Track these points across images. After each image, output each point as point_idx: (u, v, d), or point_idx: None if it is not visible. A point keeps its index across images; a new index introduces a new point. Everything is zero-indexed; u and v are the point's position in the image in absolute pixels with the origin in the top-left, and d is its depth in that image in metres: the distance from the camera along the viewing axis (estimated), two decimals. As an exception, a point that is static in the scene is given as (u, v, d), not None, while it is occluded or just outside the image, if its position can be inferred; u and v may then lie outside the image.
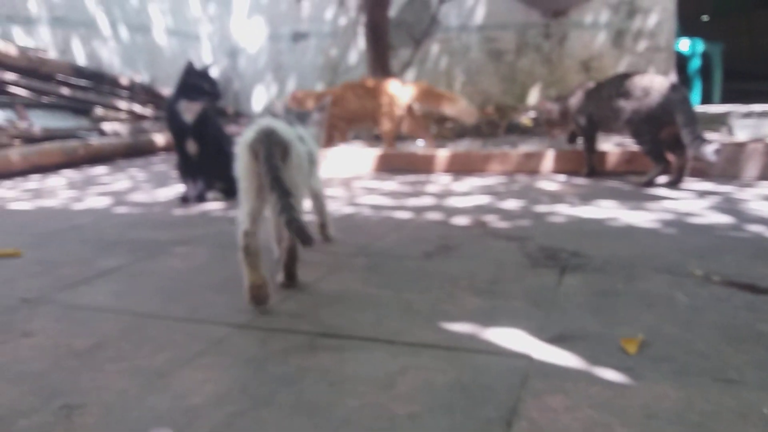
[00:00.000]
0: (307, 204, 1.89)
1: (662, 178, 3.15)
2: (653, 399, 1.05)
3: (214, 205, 2.95)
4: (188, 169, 3.04)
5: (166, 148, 5.44)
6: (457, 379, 1.14)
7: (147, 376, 1.20)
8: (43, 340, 1.39)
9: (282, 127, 1.61)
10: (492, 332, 1.34)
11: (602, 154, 3.59)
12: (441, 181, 3.54)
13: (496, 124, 5.93)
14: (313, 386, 1.13)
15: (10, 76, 5.20)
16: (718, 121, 4.27)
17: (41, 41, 6.35)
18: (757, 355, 1.20)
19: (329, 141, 4.29)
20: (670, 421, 0.98)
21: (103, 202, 3.10)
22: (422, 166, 3.92)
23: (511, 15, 7.39)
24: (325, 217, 2.17)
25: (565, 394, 1.08)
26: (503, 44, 7.52)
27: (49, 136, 4.78)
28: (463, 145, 4.50)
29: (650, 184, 3.10)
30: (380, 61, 6.66)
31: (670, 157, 3.13)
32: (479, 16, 7.58)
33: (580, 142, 3.62)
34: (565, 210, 2.58)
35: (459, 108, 4.28)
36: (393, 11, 7.35)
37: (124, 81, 6.30)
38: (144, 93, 6.39)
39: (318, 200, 2.12)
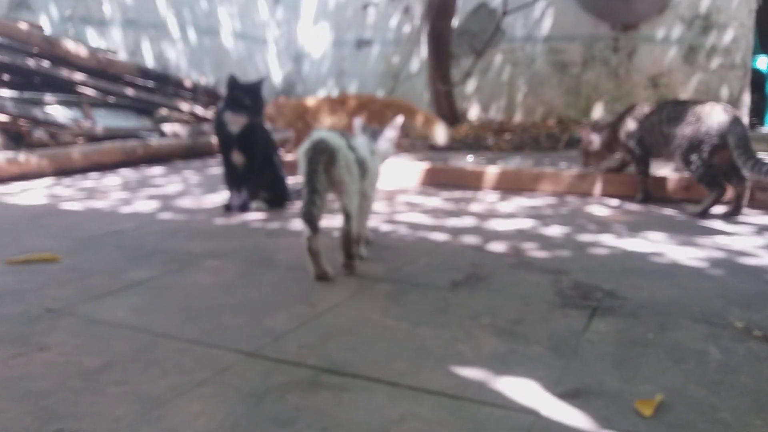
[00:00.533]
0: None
1: (720, 209, 3.00)
2: (660, 476, 0.97)
3: (255, 216, 2.97)
4: (233, 179, 3.07)
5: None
6: (454, 434, 1.09)
7: (145, 404, 1.19)
8: (56, 356, 1.41)
9: (332, 137, 1.93)
10: (503, 381, 1.28)
11: (659, 180, 3.44)
12: (487, 199, 3.46)
13: (557, 138, 5.78)
14: (304, 430, 1.10)
15: (79, 76, 5.40)
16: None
17: (113, 42, 6.60)
18: (787, 431, 1.10)
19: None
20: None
21: (150, 206, 3.16)
22: (470, 182, 3.85)
23: (579, 27, 7.21)
24: (361, 229, 2.19)
25: (565, 462, 1.01)
26: (569, 56, 7.34)
27: (110, 135, 4.94)
28: (518, 160, 4.40)
29: (705, 214, 2.95)
30: (441, 70, 6.61)
31: (727, 186, 2.97)
32: (546, 27, 7.43)
33: (629, 169, 3.50)
34: (609, 241, 2.47)
35: (431, 127, 4.56)
36: (458, 20, 7.30)
37: (187, 83, 6.45)
38: (206, 95, 6.53)
39: (363, 205, 2.14)
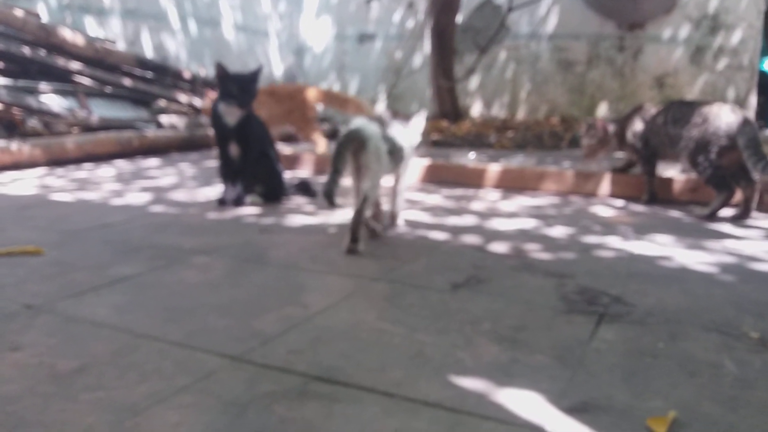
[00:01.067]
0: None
1: (728, 212, 2.91)
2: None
3: (249, 210, 2.88)
4: (229, 172, 2.98)
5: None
6: (451, 452, 1.01)
7: (119, 413, 1.11)
8: (29, 357, 1.32)
9: (367, 127, 2.14)
10: (506, 393, 1.19)
11: (665, 181, 3.36)
12: (488, 197, 3.38)
13: (560, 137, 5.70)
14: (289, 445, 1.02)
15: (75, 65, 5.31)
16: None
17: (111, 32, 6.49)
18: (812, 455, 1.02)
19: None
20: None
21: (142, 198, 3.08)
22: (471, 179, 3.77)
23: (585, 25, 7.12)
24: (396, 207, 2.54)
25: (572, 487, 0.92)
26: (574, 55, 7.26)
27: (106, 125, 4.85)
28: (521, 158, 4.31)
29: (713, 216, 2.87)
30: (444, 66, 6.52)
31: (736, 188, 2.89)
32: (551, 24, 7.35)
33: (635, 170, 3.42)
34: (615, 243, 2.39)
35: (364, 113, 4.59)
36: (462, 16, 7.20)
37: (186, 75, 6.35)
38: (205, 87, 6.44)
39: (397, 185, 2.50)
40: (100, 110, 5.15)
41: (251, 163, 2.97)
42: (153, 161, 4.56)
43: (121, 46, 6.38)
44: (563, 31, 7.28)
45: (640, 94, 6.74)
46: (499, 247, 2.29)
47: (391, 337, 1.46)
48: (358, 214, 2.18)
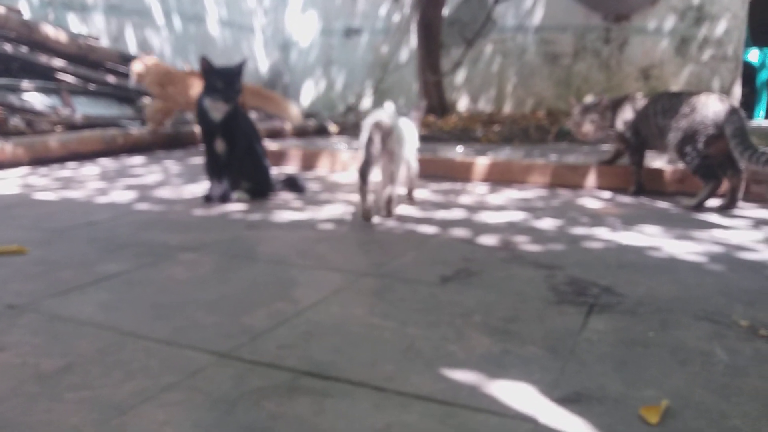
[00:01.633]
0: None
1: (716, 202, 2.92)
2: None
3: (236, 206, 2.85)
4: (215, 168, 2.95)
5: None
6: (444, 445, 0.99)
7: (105, 411, 1.09)
8: (13, 356, 1.30)
9: (388, 118, 2.47)
10: (498, 385, 1.19)
11: (653, 172, 3.36)
12: (477, 191, 3.37)
13: (547, 130, 5.70)
14: (279, 441, 1.00)
15: (58, 62, 5.24)
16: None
17: (95, 28, 6.42)
18: (805, 441, 1.01)
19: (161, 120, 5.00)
20: None
21: (127, 196, 3.04)
22: (459, 173, 3.76)
23: (570, 17, 7.13)
24: (411, 184, 2.95)
25: (566, 478, 0.91)
26: (560, 47, 7.26)
27: (90, 123, 4.79)
28: (508, 152, 4.31)
29: (700, 206, 2.87)
30: (430, 60, 6.50)
31: (723, 178, 2.90)
32: (537, 17, 7.34)
33: (622, 161, 3.42)
34: (604, 234, 2.39)
35: (280, 108, 4.97)
36: (449, 9, 7.18)
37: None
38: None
39: (409, 171, 2.88)
40: (84, 108, 5.08)
41: (237, 159, 2.94)
42: (138, 159, 4.52)
43: (104, 42, 6.30)
44: (549, 23, 7.28)
45: (627, 86, 6.76)
46: (488, 240, 2.29)
47: (381, 331, 1.44)
48: (390, 192, 2.59)
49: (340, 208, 2.84)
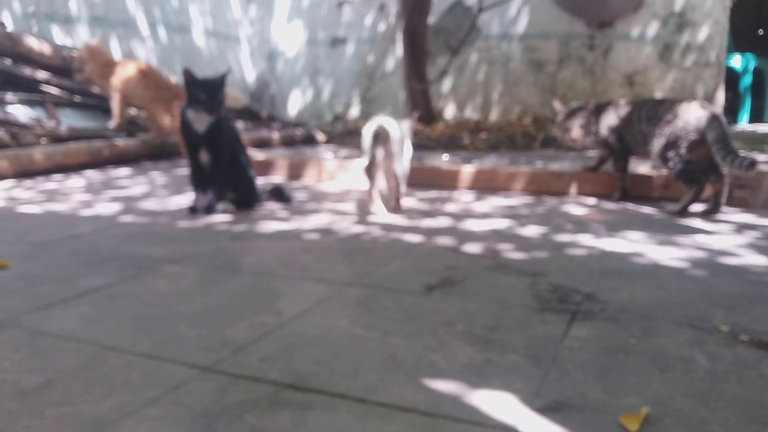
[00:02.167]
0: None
1: (699, 207, 2.95)
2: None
3: (221, 218, 2.85)
4: (199, 179, 2.95)
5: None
6: (425, 456, 1.00)
7: (86, 428, 1.08)
8: (-8, 373, 1.29)
9: (389, 124, 2.75)
10: (479, 395, 1.19)
11: (637, 178, 3.39)
12: (462, 198, 3.38)
13: (533, 137, 5.73)
14: (260, 455, 1.00)
15: (42, 74, 5.22)
16: None
17: (79, 40, 6.40)
18: (783, 446, 1.02)
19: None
20: None
21: (111, 208, 3.03)
22: (446, 181, 3.77)
23: (555, 25, 7.18)
24: (397, 192, 2.97)
25: (545, 487, 0.92)
26: (545, 54, 7.31)
27: (75, 135, 4.77)
28: (494, 159, 4.32)
29: (684, 212, 2.90)
30: (417, 68, 6.52)
31: (706, 183, 2.93)
32: (521, 25, 7.39)
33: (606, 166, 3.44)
34: (587, 241, 2.40)
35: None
36: (434, 18, 7.21)
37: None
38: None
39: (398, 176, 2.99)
40: (70, 120, 5.07)
41: (222, 170, 2.94)
42: (124, 171, 4.50)
43: (89, 54, 6.28)
44: (534, 31, 7.33)
45: (612, 92, 6.80)
46: (472, 248, 2.29)
47: (364, 341, 1.45)
48: (395, 188, 2.92)
49: (326, 218, 2.84)
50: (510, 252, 2.24)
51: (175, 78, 6.57)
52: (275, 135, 6.34)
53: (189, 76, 2.75)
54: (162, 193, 3.50)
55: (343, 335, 1.48)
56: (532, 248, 2.29)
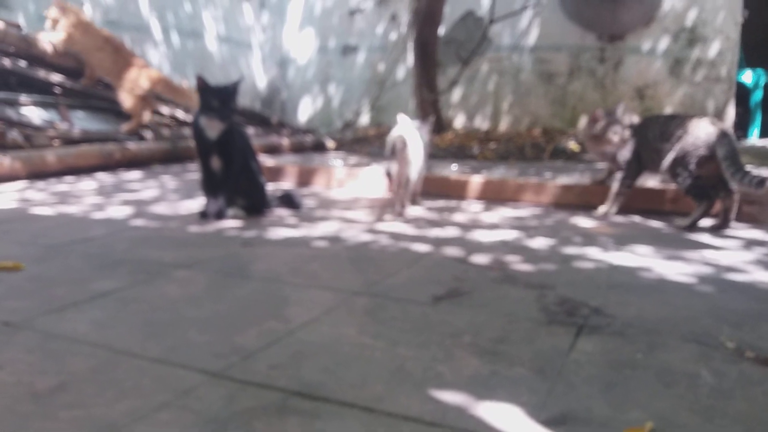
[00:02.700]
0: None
1: (708, 222, 2.95)
2: None
3: (232, 223, 2.87)
4: (210, 185, 2.97)
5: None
6: (431, 467, 1.01)
7: (98, 430, 1.10)
8: (7, 375, 1.31)
9: (406, 131, 3.01)
10: (485, 407, 1.20)
11: (646, 192, 3.39)
12: (471, 209, 3.39)
13: (542, 148, 5.74)
14: (269, 462, 1.02)
15: (56, 77, 5.28)
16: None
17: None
18: (786, 465, 1.03)
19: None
20: None
21: (123, 212, 3.06)
22: (454, 191, 3.79)
23: (566, 37, 7.20)
24: (407, 197, 3.18)
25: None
26: (555, 66, 7.33)
27: (87, 138, 4.81)
28: (503, 170, 4.34)
29: (693, 227, 2.90)
30: (427, 78, 6.55)
31: (716, 198, 2.94)
32: (532, 36, 7.41)
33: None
34: (596, 254, 2.41)
35: (190, 99, 5.23)
36: (445, 28, 7.25)
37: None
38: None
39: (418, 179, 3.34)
40: (82, 122, 5.12)
41: (233, 176, 2.96)
42: (135, 174, 4.54)
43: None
44: (545, 43, 7.36)
45: (621, 105, 6.80)
46: (480, 259, 2.31)
47: (372, 351, 1.46)
48: (406, 189, 3.11)
49: (335, 225, 2.86)
50: (518, 264, 2.25)
51: (187, 83, 6.62)
52: (285, 141, 6.38)
53: (202, 83, 2.78)
54: (173, 198, 3.53)
55: (350, 344, 1.50)
56: (540, 260, 2.30)
